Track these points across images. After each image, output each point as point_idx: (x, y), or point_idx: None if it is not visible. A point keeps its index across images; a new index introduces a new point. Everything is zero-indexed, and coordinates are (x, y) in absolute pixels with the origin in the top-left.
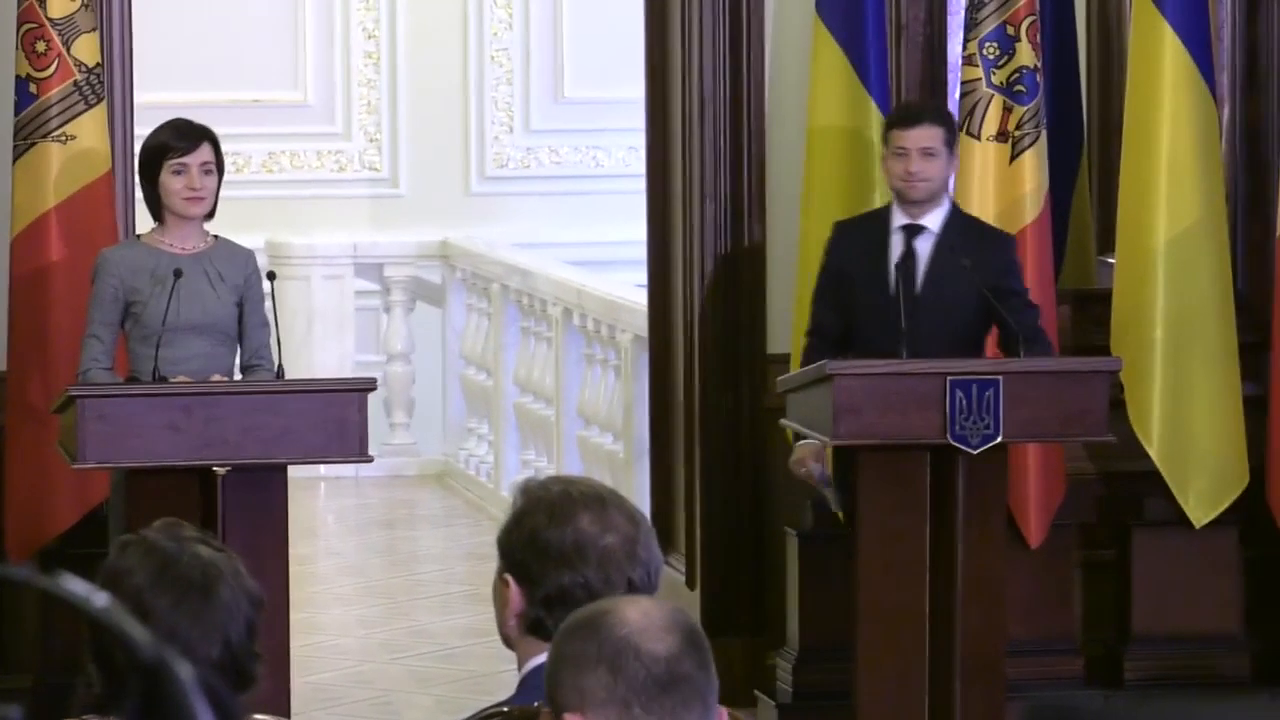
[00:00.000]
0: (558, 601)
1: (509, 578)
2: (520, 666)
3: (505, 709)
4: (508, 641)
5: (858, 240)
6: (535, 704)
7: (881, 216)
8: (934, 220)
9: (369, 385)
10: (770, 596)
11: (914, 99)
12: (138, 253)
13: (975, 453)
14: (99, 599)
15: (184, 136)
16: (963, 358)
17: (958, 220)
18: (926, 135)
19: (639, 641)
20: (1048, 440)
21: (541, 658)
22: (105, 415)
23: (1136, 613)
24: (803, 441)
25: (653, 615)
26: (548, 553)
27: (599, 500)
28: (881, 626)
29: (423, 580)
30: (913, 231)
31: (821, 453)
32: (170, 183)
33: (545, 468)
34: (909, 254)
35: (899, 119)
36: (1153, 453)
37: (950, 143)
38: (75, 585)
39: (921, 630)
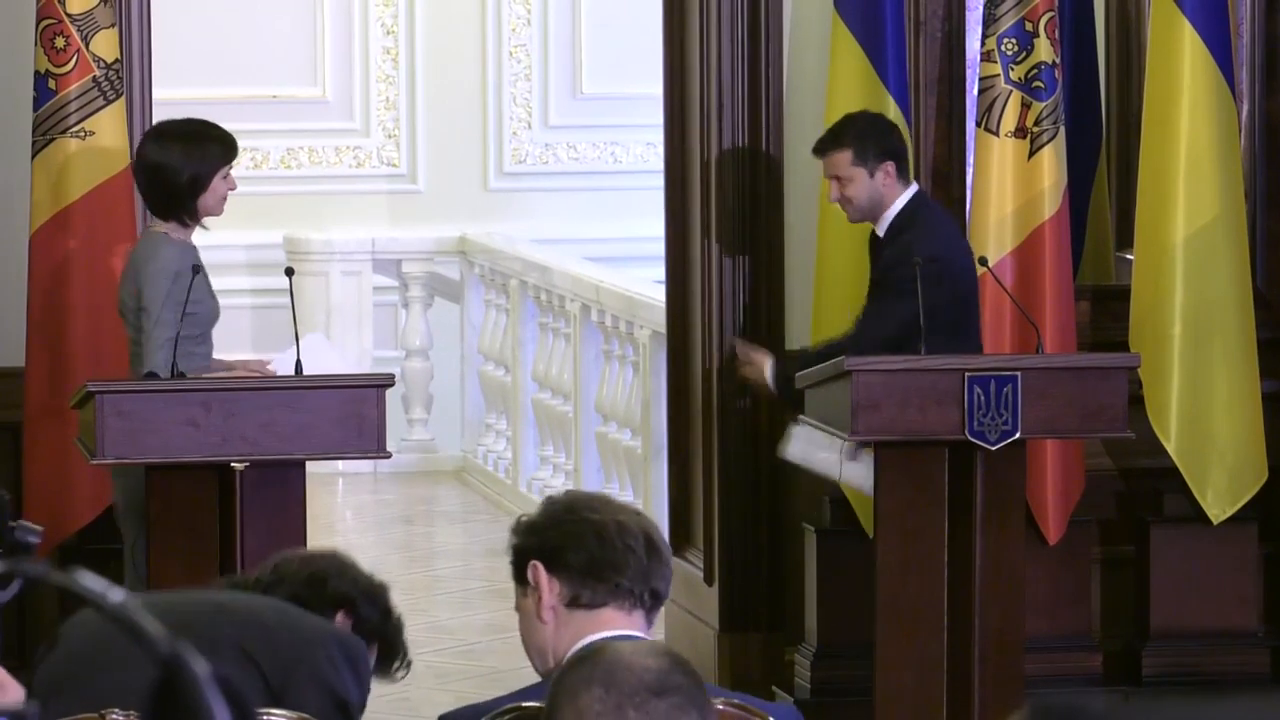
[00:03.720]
0: (587, 565)
1: (537, 565)
2: (564, 657)
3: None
4: (542, 653)
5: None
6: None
7: None
8: (882, 228)
9: (387, 381)
10: (788, 592)
11: (831, 127)
12: (179, 249)
13: (994, 449)
14: (114, 594)
15: (233, 143)
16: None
17: (898, 221)
18: (833, 164)
19: (630, 659)
20: (1066, 436)
21: (589, 638)
22: (124, 411)
23: (1155, 609)
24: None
25: (642, 646)
26: (558, 521)
27: (604, 498)
28: (900, 623)
29: (441, 576)
30: (873, 241)
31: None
32: (220, 187)
33: (563, 464)
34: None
35: (813, 149)
36: (1171, 449)
37: (864, 158)
38: (91, 581)
39: (940, 626)
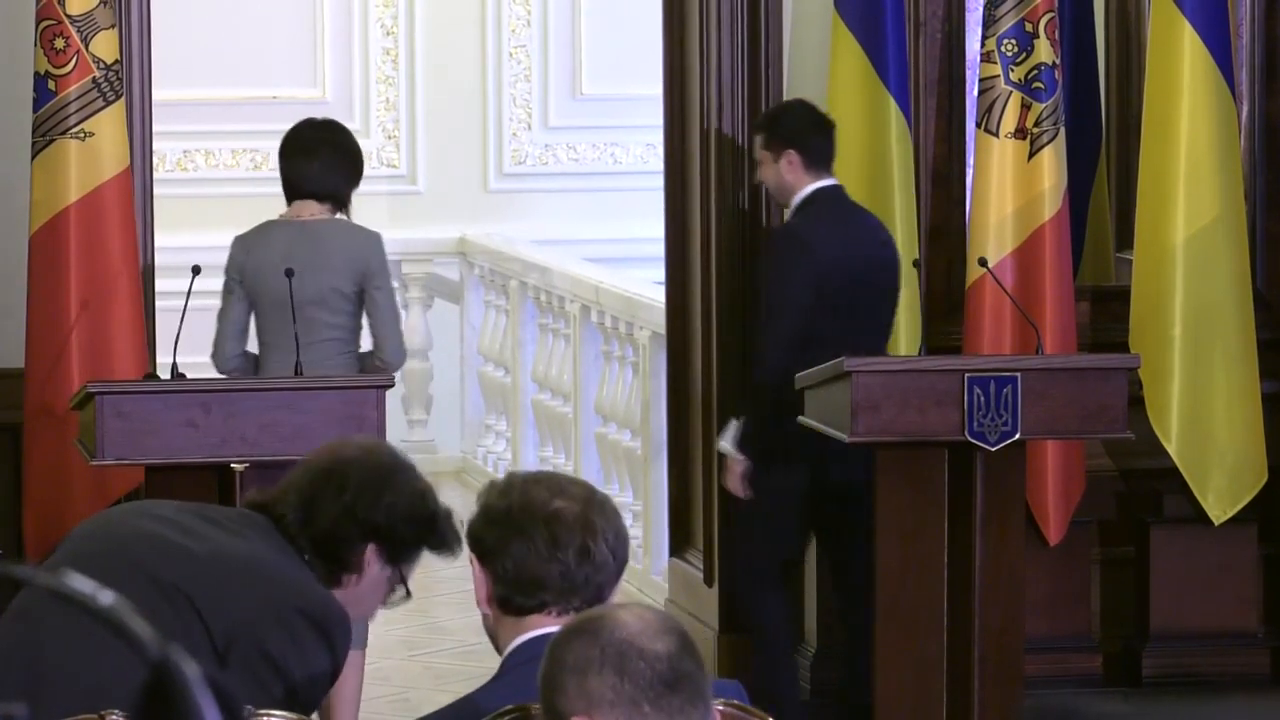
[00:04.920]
0: (515, 575)
1: (473, 558)
2: (501, 651)
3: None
4: (493, 638)
5: None
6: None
7: None
8: (789, 215)
9: (387, 382)
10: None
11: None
12: None
13: (993, 450)
14: (104, 597)
15: None
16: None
17: (796, 210)
18: (754, 146)
19: (640, 643)
20: (1066, 437)
21: (520, 638)
22: (124, 412)
23: (1155, 610)
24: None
25: (647, 618)
26: (497, 521)
27: (551, 477)
28: (900, 624)
29: (440, 577)
30: None
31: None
32: None
33: (563, 465)
34: None
35: None
36: (1171, 450)
37: (770, 144)
38: (80, 583)
39: (940, 628)
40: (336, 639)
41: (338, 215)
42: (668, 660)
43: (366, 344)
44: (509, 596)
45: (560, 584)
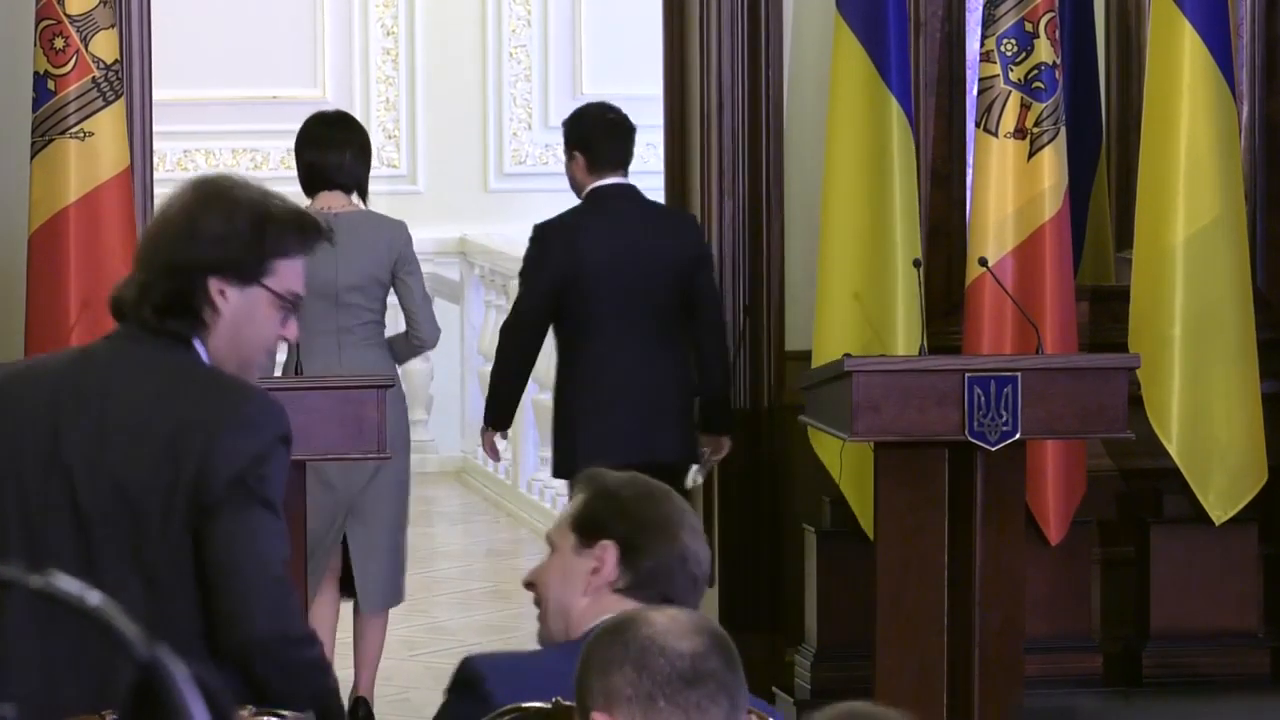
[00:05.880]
0: (653, 579)
1: (612, 547)
2: (580, 629)
3: (523, 705)
4: (564, 622)
5: None
6: (554, 699)
7: None
8: None
9: (387, 382)
10: (788, 593)
11: None
12: None
13: (994, 449)
14: (92, 598)
15: None
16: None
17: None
18: None
19: (664, 640)
20: (1066, 437)
21: (612, 611)
22: None
23: (1155, 610)
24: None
25: (679, 619)
26: (657, 535)
27: (684, 511)
28: (900, 624)
29: (441, 577)
30: None
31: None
32: None
33: None
34: None
35: None
36: (1171, 450)
37: (565, 145)
38: (67, 584)
39: (940, 627)
40: (257, 418)
41: (358, 203)
42: (690, 658)
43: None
44: (632, 587)
45: (685, 594)
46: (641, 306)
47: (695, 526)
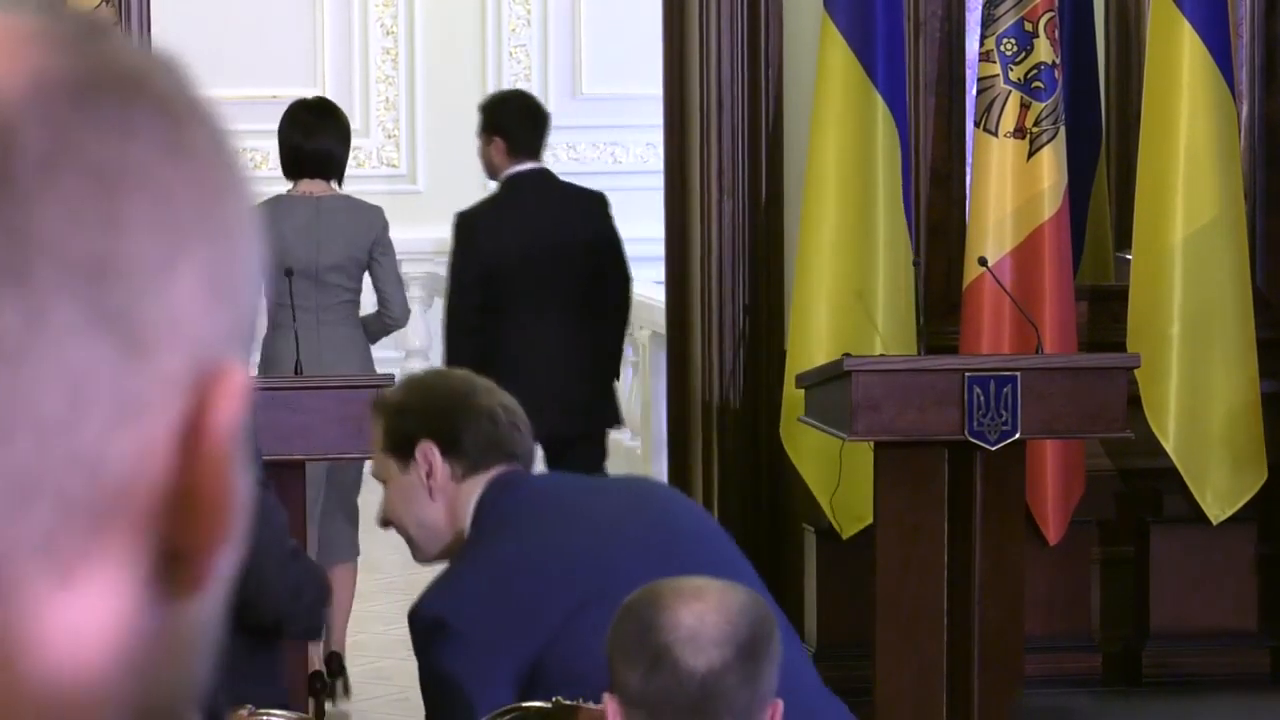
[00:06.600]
0: (486, 450)
1: (431, 446)
2: (466, 524)
3: (524, 705)
4: (440, 534)
5: None
6: (554, 699)
7: None
8: None
9: (387, 382)
10: (788, 593)
11: None
12: None
13: (993, 449)
14: None
15: None
16: None
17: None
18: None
19: (681, 652)
20: (1066, 437)
21: (477, 494)
22: None
23: (1154, 609)
24: None
25: (707, 620)
26: (463, 414)
27: (469, 376)
28: (899, 624)
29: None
30: None
31: None
32: None
33: None
34: None
35: None
36: (1170, 449)
37: (483, 129)
38: None
39: (939, 627)
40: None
41: (336, 188)
42: (700, 679)
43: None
44: (473, 466)
45: (524, 448)
46: (555, 286)
47: (487, 385)
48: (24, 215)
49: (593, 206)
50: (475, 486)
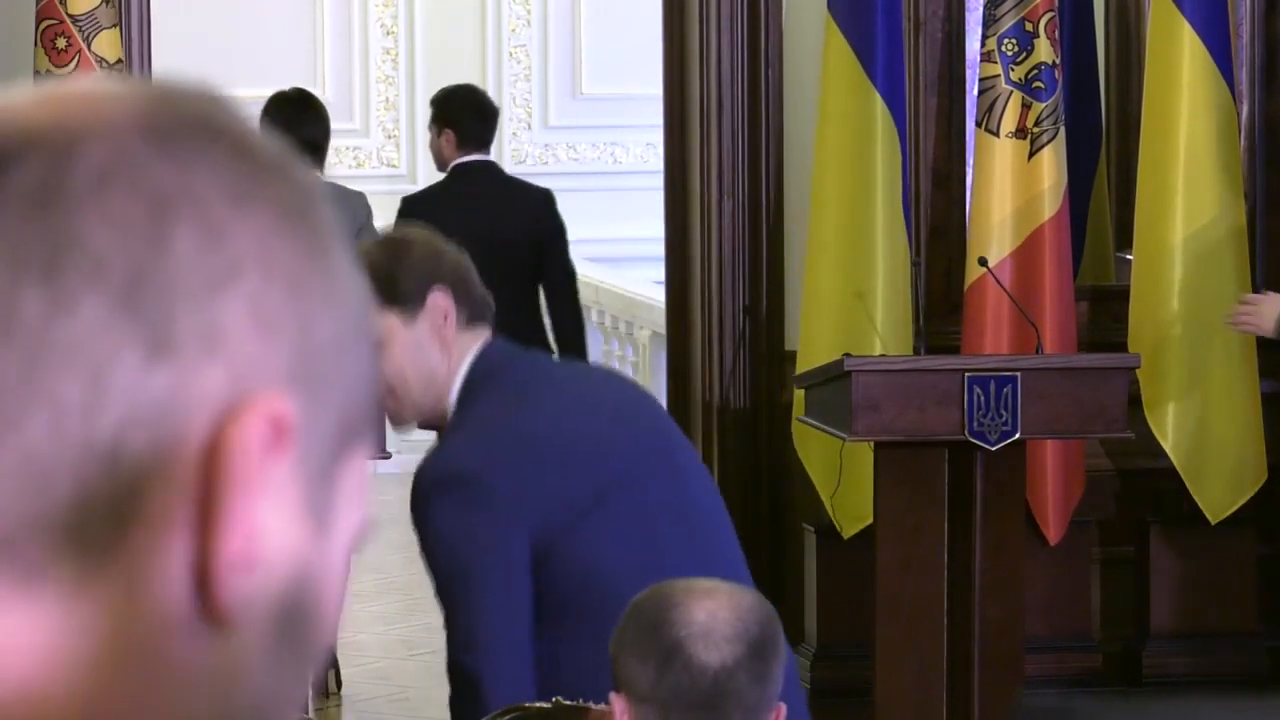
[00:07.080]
0: (478, 294)
1: (443, 289)
2: (455, 379)
3: (524, 705)
4: (434, 386)
5: None
6: (554, 699)
7: None
8: None
9: None
10: (788, 593)
11: None
12: None
13: (994, 449)
14: None
15: None
16: None
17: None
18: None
19: (693, 648)
20: (1066, 437)
21: (472, 350)
22: None
23: (1154, 609)
24: None
25: (719, 617)
26: (452, 259)
27: (404, 233)
28: (900, 623)
29: None
30: None
31: None
32: None
33: None
34: None
35: None
36: (1169, 449)
37: (434, 121)
38: None
39: (940, 627)
40: None
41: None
42: (713, 676)
43: None
44: (473, 311)
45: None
46: (492, 273)
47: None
48: (66, 218)
49: (537, 201)
50: (471, 341)
